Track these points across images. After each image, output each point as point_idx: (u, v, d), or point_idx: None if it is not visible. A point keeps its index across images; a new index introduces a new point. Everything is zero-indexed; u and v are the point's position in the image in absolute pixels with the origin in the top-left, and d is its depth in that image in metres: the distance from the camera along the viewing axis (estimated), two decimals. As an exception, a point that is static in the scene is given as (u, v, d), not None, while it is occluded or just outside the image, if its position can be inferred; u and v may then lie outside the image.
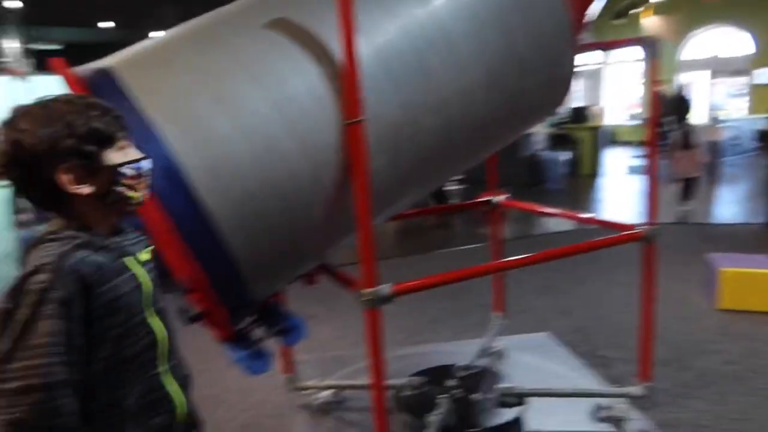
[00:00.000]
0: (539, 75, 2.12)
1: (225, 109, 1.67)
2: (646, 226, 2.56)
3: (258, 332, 2.04)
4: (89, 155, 1.10)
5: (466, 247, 6.11)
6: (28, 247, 1.12)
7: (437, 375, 2.96)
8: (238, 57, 1.75)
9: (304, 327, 2.09)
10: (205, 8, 2.09)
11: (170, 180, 1.60)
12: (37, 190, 1.11)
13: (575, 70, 2.28)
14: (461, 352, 3.50)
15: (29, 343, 1.00)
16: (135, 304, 1.16)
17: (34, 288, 1.02)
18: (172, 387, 1.25)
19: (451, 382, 2.80)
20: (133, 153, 1.18)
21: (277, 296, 2.20)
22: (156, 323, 1.22)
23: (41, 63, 15.43)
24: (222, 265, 1.68)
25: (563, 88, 2.32)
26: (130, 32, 16.94)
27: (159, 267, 1.34)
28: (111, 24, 16.13)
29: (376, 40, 1.82)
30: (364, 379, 3.11)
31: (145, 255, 1.25)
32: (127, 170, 1.15)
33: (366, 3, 1.82)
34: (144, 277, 1.20)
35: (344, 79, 1.72)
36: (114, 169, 1.13)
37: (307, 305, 2.84)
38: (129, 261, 1.18)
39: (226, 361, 3.56)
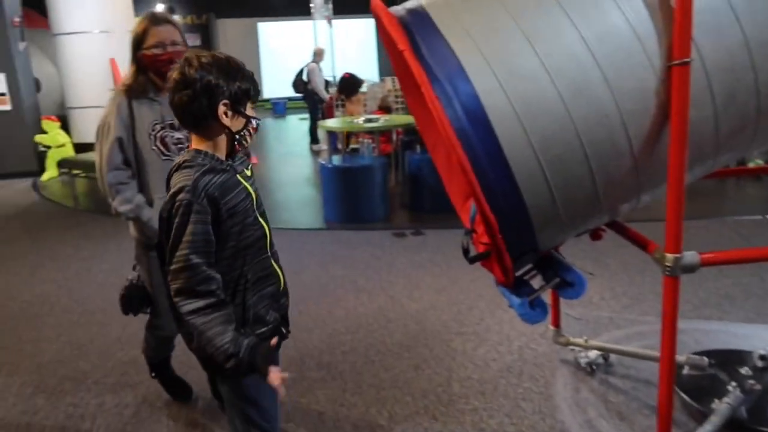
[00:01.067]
0: None
1: (535, 48, 1.58)
2: None
3: (537, 281, 2.00)
4: (242, 102, 1.52)
5: (760, 217, 5.20)
6: (171, 171, 1.56)
7: (727, 358, 2.60)
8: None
9: (584, 283, 1.98)
10: None
11: (472, 118, 1.60)
12: (196, 112, 1.47)
13: None
14: (757, 336, 3.03)
15: (182, 240, 1.45)
16: (248, 208, 1.57)
17: (180, 203, 1.44)
18: (276, 266, 1.69)
19: (745, 370, 2.44)
20: (254, 113, 1.58)
21: (558, 247, 2.12)
22: (263, 221, 1.64)
23: (342, 7, 17.07)
24: (515, 210, 1.65)
25: None
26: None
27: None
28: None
29: None
30: (635, 346, 2.91)
31: (248, 171, 1.64)
32: (254, 122, 1.58)
33: None
34: (250, 188, 1.61)
35: (672, 14, 1.50)
36: (249, 118, 1.55)
37: (579, 260, 2.69)
38: (240, 177, 1.58)
39: (494, 302, 3.66)
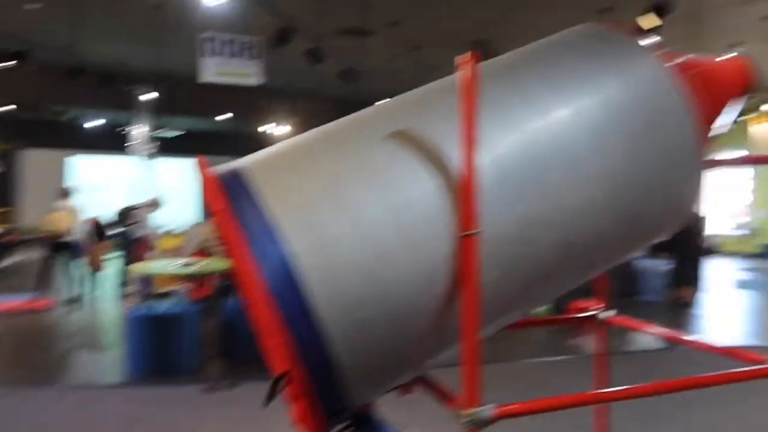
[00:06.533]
0: (664, 197, 2.05)
1: (345, 215, 1.71)
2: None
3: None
4: None
5: (554, 358, 5.81)
6: None
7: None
8: (362, 164, 1.81)
9: (397, 438, 2.00)
10: (309, 103, 2.22)
11: (285, 279, 1.64)
12: None
13: (699, 189, 2.19)
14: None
15: None
16: None
17: None
18: None
19: None
20: None
21: (370, 403, 2.14)
22: None
23: (164, 147, 17.00)
24: (326, 369, 1.66)
25: (687, 209, 2.21)
26: (243, 123, 18.41)
27: None
28: (228, 115, 17.57)
29: (496, 153, 1.83)
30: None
31: None
32: None
33: (488, 115, 1.86)
34: None
35: (462, 190, 1.73)
36: None
37: (396, 411, 2.73)
38: None
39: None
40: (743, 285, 10.80)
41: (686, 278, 9.34)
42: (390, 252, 1.71)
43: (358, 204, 1.73)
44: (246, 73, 9.15)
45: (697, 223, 9.71)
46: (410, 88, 2.30)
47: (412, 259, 1.73)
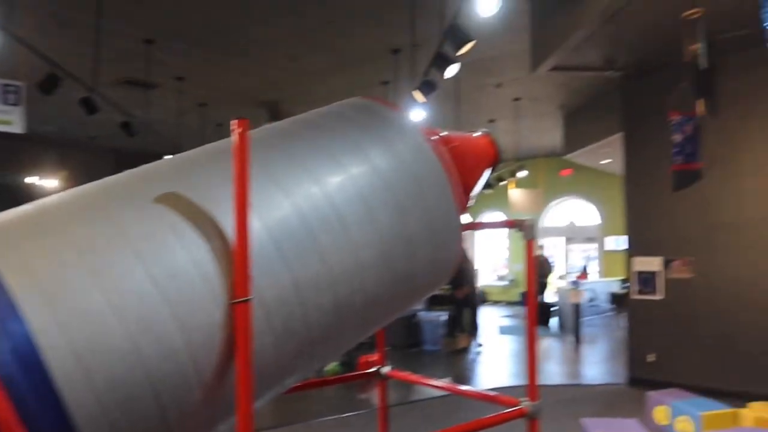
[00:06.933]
0: (429, 256, 2.23)
1: (100, 285, 1.55)
2: (529, 403, 2.60)
3: None
4: None
5: (346, 415, 5.88)
6: None
7: None
8: (123, 230, 1.66)
9: None
10: (81, 153, 2.04)
11: (24, 362, 1.41)
12: None
13: (461, 247, 2.43)
14: None
15: None
16: None
17: None
18: None
19: None
20: None
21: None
22: None
23: None
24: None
25: (451, 266, 2.43)
26: (8, 175, 16.01)
27: None
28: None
29: (269, 218, 1.83)
30: None
31: None
32: None
33: (262, 180, 1.86)
34: None
35: (232, 256, 1.69)
36: None
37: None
38: None
39: None
40: (506, 330, 12.18)
41: (463, 327, 10.26)
42: (155, 324, 1.58)
43: (116, 274, 1.58)
44: (7, 120, 8.10)
45: (472, 275, 10.78)
46: (197, 144, 2.24)
47: (180, 330, 1.62)
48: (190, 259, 1.67)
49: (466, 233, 2.55)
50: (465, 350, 9.98)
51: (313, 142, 2.11)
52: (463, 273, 10.06)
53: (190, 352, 1.63)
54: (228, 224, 1.73)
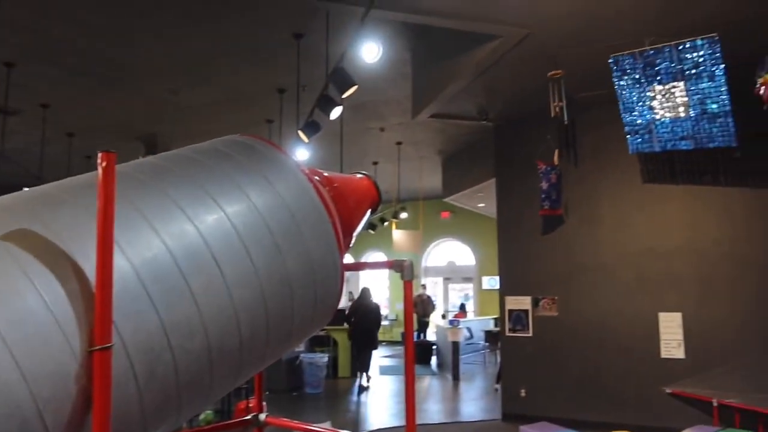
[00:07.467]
0: (308, 296, 2.19)
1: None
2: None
3: None
4: None
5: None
6: None
7: None
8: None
9: None
10: None
11: None
12: None
13: (341, 287, 2.42)
14: None
15: None
16: None
17: None
18: None
19: None
20: None
21: None
22: None
23: None
24: None
25: (332, 306, 2.41)
26: None
27: None
28: None
29: (135, 257, 1.71)
30: None
31: None
32: None
33: (127, 217, 1.75)
34: None
35: (93, 299, 1.55)
36: None
37: None
38: None
39: None
40: (386, 371, 12.25)
41: (364, 366, 10.18)
42: (-5, 375, 1.41)
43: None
44: None
45: (377, 315, 10.64)
46: (61, 176, 2.06)
47: (26, 381, 1.45)
48: (41, 302, 1.51)
49: (349, 274, 2.55)
50: (366, 389, 9.94)
51: (188, 179, 2.02)
52: (371, 313, 10.05)
53: (37, 405, 1.46)
54: (90, 264, 1.59)
